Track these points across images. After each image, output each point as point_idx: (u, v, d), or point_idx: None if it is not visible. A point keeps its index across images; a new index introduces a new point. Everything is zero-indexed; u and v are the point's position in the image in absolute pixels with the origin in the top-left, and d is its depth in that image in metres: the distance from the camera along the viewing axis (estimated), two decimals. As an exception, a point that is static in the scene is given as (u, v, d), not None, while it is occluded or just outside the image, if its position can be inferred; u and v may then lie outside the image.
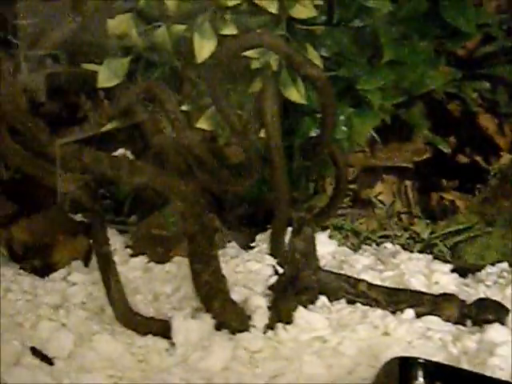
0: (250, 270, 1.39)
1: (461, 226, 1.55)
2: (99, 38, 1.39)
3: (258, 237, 1.50)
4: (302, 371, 1.17)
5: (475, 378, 1.09)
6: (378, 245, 1.55)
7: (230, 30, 1.31)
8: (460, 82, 1.53)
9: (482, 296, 1.35)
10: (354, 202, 1.58)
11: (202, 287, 1.25)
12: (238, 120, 1.32)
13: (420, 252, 1.52)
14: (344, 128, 1.44)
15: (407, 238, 1.55)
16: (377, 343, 1.23)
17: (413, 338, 1.24)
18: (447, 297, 1.32)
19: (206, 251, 1.23)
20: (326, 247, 1.47)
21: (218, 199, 1.51)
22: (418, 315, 1.29)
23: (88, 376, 1.14)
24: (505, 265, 1.46)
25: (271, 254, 1.44)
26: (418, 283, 1.39)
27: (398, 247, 1.54)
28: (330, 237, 1.52)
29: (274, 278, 1.36)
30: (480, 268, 1.46)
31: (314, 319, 1.26)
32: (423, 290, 1.36)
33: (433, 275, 1.42)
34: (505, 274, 1.44)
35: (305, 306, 1.29)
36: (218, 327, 1.25)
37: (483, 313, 1.29)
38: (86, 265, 1.44)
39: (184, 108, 1.35)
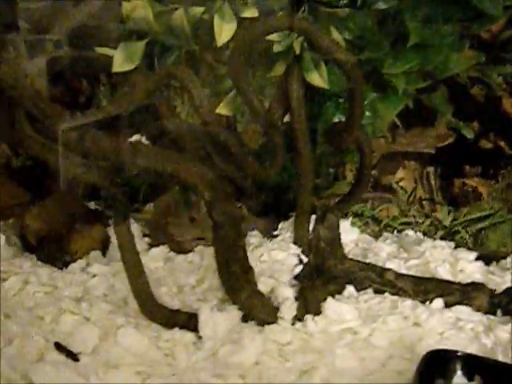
0: (275, 259, 1.36)
1: (483, 213, 1.53)
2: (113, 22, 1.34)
3: (281, 225, 1.46)
4: (334, 365, 1.14)
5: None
6: (399, 232, 1.52)
7: (250, 13, 1.26)
8: (483, 65, 1.49)
9: (509, 285, 1.32)
10: (374, 188, 1.55)
11: (228, 278, 1.21)
12: (261, 105, 1.28)
13: (442, 239, 1.49)
14: (368, 113, 1.40)
15: (429, 225, 1.52)
16: (408, 334, 1.20)
17: (444, 329, 1.21)
18: (476, 286, 1.29)
19: (233, 241, 1.20)
20: (349, 235, 1.45)
21: (238, 187, 1.47)
22: (448, 305, 1.26)
23: (115, 372, 1.10)
24: (529, 252, 1.44)
25: (295, 243, 1.40)
26: (444, 272, 1.36)
27: (419, 234, 1.51)
28: (352, 224, 1.49)
29: (300, 268, 1.33)
30: (504, 255, 1.43)
31: (344, 310, 1.23)
32: (449, 278, 1.33)
33: (458, 263, 1.39)
34: (529, 261, 1.41)
35: (332, 296, 1.26)
36: (245, 319, 1.21)
37: (514, 302, 1.26)
38: (104, 254, 1.40)
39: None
